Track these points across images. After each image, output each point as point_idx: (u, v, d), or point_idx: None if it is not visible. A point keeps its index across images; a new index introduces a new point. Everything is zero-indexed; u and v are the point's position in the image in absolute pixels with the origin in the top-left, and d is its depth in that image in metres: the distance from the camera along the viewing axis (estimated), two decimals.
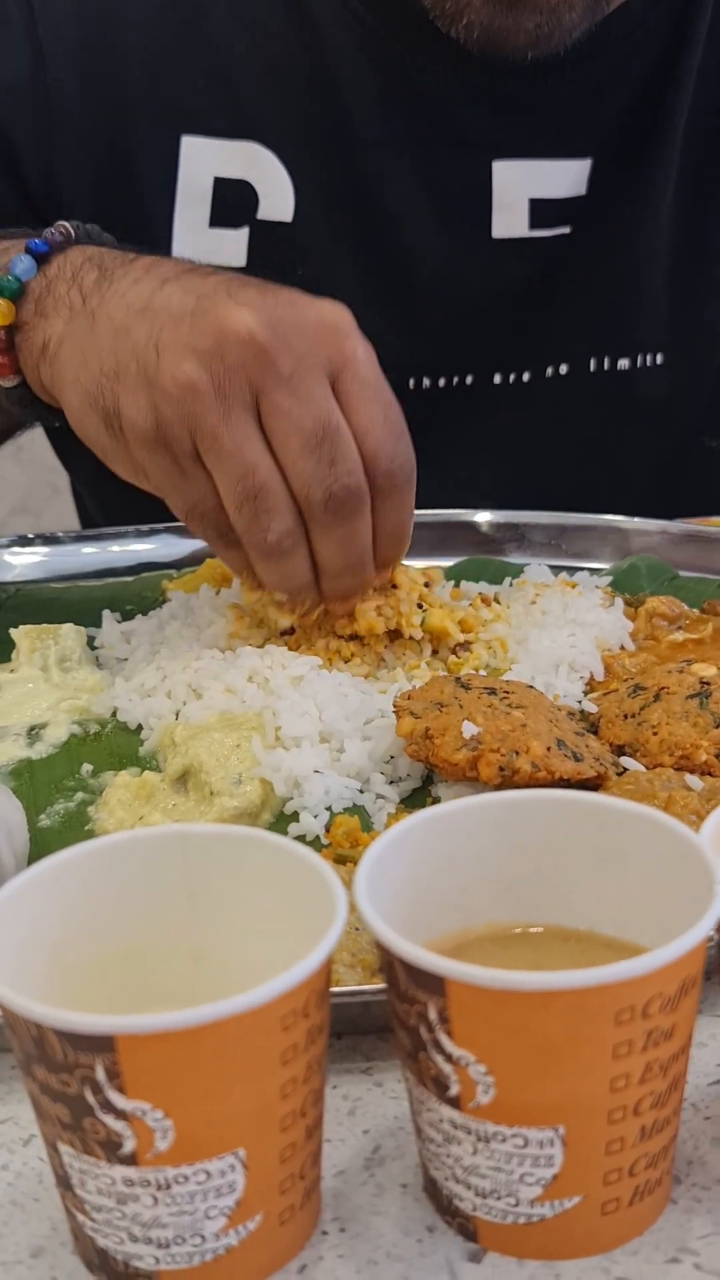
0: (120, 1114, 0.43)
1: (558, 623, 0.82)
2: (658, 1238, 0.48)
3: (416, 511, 0.79)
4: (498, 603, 0.87)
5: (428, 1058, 0.46)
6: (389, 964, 0.46)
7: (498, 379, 1.07)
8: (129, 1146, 0.44)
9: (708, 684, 0.73)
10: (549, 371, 1.08)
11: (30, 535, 1.02)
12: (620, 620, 0.83)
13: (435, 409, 1.06)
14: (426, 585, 0.82)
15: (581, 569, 0.93)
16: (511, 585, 0.89)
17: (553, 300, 1.06)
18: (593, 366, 1.07)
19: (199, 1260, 0.46)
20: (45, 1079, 0.45)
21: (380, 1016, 0.56)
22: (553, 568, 0.92)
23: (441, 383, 1.06)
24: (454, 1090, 0.45)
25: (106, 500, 1.16)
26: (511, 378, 1.07)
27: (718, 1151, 0.52)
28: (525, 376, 1.08)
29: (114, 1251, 0.46)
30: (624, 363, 1.08)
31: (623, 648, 0.82)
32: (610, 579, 0.91)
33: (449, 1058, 0.45)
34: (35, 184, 1.00)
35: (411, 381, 1.05)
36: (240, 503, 0.74)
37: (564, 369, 1.07)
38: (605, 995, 0.43)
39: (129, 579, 0.96)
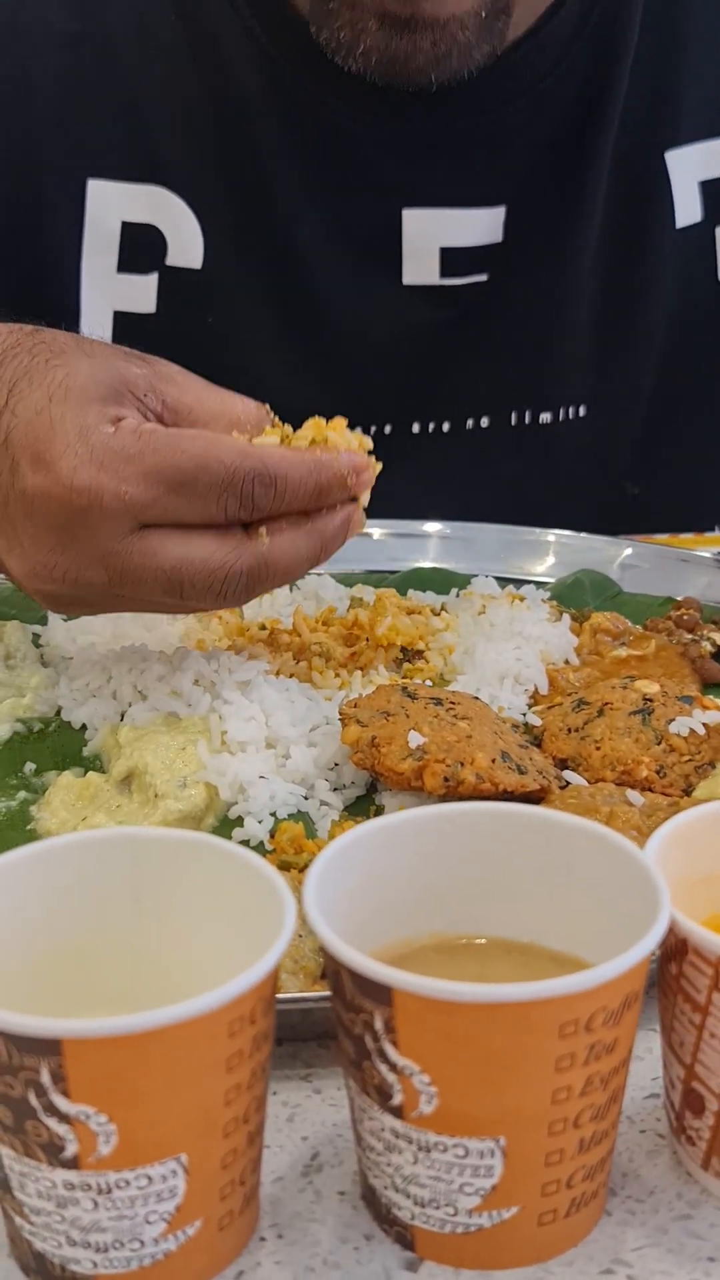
0: (64, 1117, 0.43)
1: (504, 635, 0.83)
2: (592, 1249, 0.49)
3: (371, 521, 0.78)
4: (446, 612, 0.87)
5: (372, 1066, 0.46)
6: (335, 973, 0.47)
7: (416, 428, 1.06)
8: (71, 1150, 0.44)
9: (650, 701, 0.74)
10: (469, 423, 1.07)
11: None
12: (566, 635, 0.84)
13: None
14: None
15: (527, 581, 0.94)
16: (459, 596, 0.90)
17: (470, 349, 1.05)
18: (514, 420, 1.07)
19: (137, 1265, 0.46)
20: None
21: (321, 1023, 0.56)
22: (499, 579, 0.93)
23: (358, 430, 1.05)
24: (397, 1099, 0.46)
25: None
26: (430, 427, 1.07)
27: (652, 1164, 0.52)
28: (445, 427, 1.07)
29: (51, 1255, 0.46)
30: (546, 416, 1.07)
31: (567, 662, 0.83)
32: (553, 592, 0.92)
33: (393, 1067, 0.45)
34: None
35: None
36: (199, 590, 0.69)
37: (485, 421, 1.06)
38: (550, 1008, 0.43)
39: None
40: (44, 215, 0.97)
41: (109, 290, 1.00)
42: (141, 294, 1.00)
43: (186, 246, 1.00)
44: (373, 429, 1.04)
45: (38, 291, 0.99)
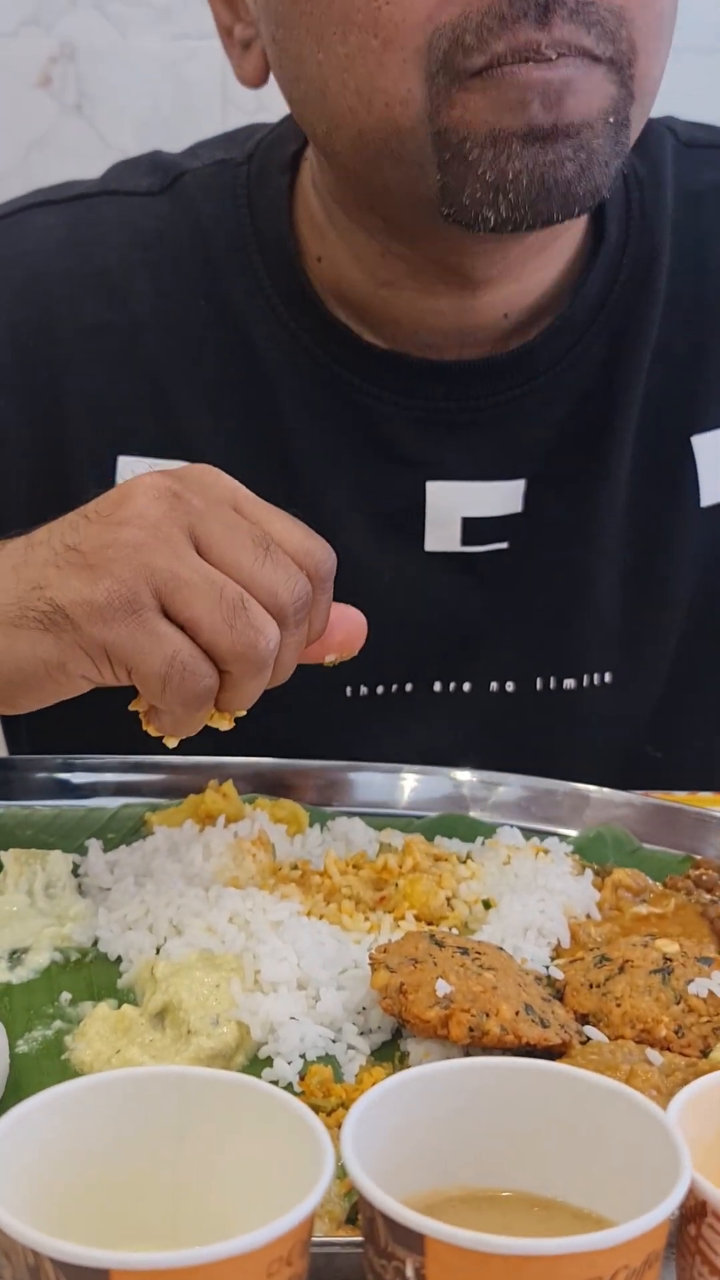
0: None
1: (528, 888, 0.86)
2: None
3: (400, 767, 0.81)
4: (472, 860, 0.91)
5: None
6: (370, 1219, 0.49)
7: (437, 687, 1.09)
8: None
9: (670, 960, 0.78)
10: (492, 685, 1.09)
11: (15, 759, 1.05)
12: (588, 890, 0.87)
13: (374, 715, 1.07)
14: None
15: (551, 834, 0.97)
16: (484, 844, 0.94)
17: (491, 615, 1.08)
18: (538, 685, 1.09)
19: None
20: None
21: (344, 1269, 0.58)
22: (524, 830, 0.97)
23: (380, 690, 1.07)
24: None
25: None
26: (452, 686, 1.09)
27: None
28: (466, 687, 1.09)
29: None
30: (570, 682, 1.09)
31: (589, 916, 0.86)
32: (576, 846, 0.95)
33: None
34: None
35: (349, 689, 1.06)
36: (230, 620, 0.74)
37: (509, 686, 1.09)
38: (577, 1263, 0.46)
39: (113, 808, 0.99)
40: (73, 490, 0.96)
41: None
42: None
43: None
44: (394, 687, 1.08)
45: None
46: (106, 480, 1.02)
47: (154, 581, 0.74)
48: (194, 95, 1.98)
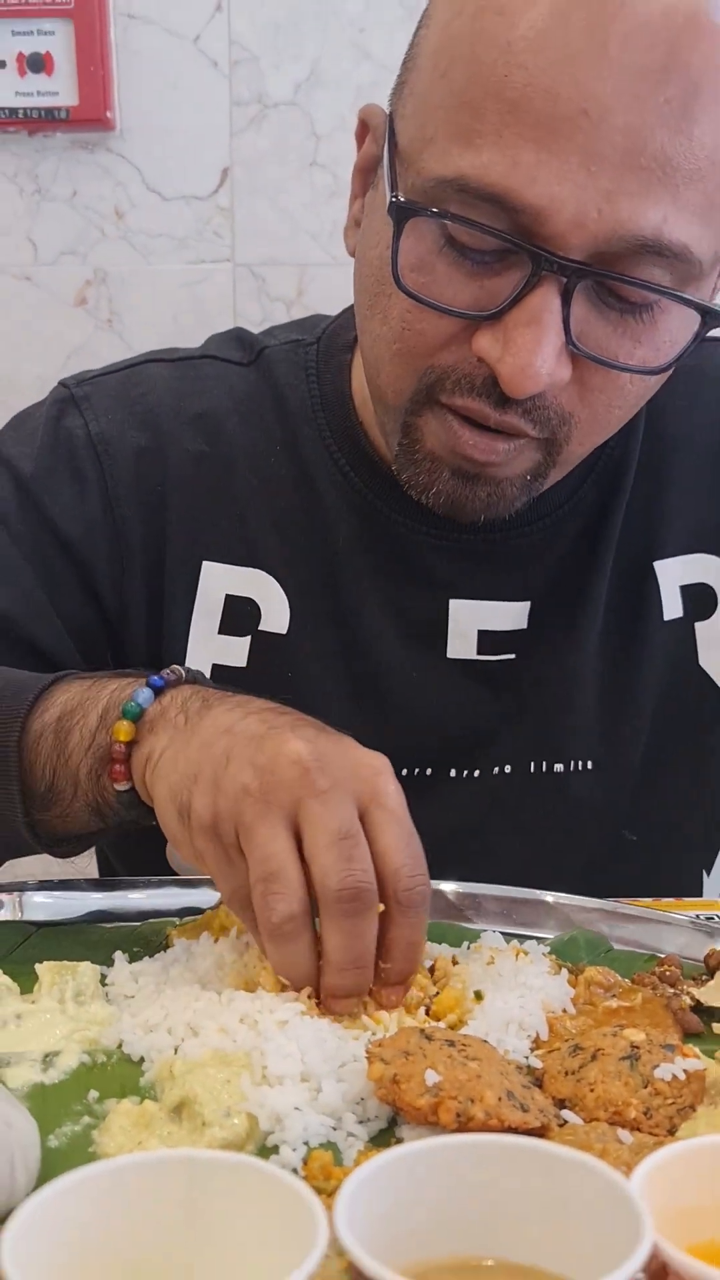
0: None
1: (510, 985, 0.84)
2: None
3: None
4: (456, 964, 0.89)
5: None
6: None
7: (453, 773, 1.13)
8: None
9: (637, 1048, 0.76)
10: (496, 770, 1.13)
11: (54, 880, 1.05)
12: (564, 986, 0.86)
13: None
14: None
15: (530, 937, 0.96)
16: (469, 949, 0.92)
17: (500, 712, 1.12)
18: (533, 769, 1.13)
19: None
20: None
21: None
22: (505, 934, 0.95)
23: (404, 772, 1.11)
24: None
25: (125, 854, 1.22)
26: (465, 773, 1.13)
27: None
28: (476, 773, 1.13)
29: None
30: (559, 766, 1.13)
31: (565, 1010, 0.84)
32: (552, 947, 0.94)
33: None
34: (109, 602, 1.10)
35: None
36: (256, 883, 0.79)
37: (509, 769, 1.13)
38: None
39: (138, 924, 0.99)
40: (166, 589, 1.10)
41: (209, 647, 1.10)
42: (236, 652, 1.10)
43: (276, 616, 1.10)
44: (416, 770, 1.12)
45: (157, 648, 1.11)
46: (192, 582, 1.10)
47: (239, 827, 0.79)
48: (208, 310, 2.04)
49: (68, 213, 2.00)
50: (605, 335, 0.91)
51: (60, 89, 1.93)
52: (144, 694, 0.89)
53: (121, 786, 0.89)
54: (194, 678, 0.92)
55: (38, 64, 1.93)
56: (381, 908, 0.79)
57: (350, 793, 0.80)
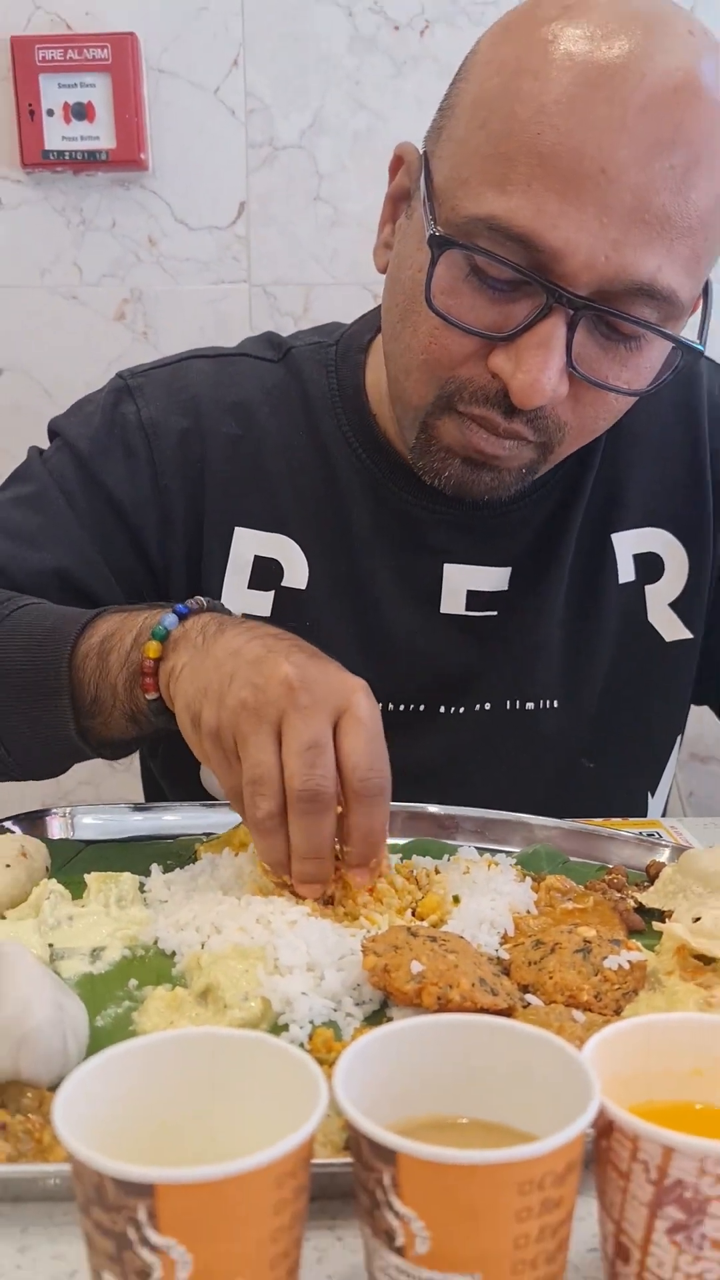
0: (154, 1248, 0.44)
1: (483, 891, 0.84)
2: None
3: (394, 804, 0.81)
4: (438, 873, 0.89)
5: (380, 1215, 0.46)
6: (355, 1140, 0.47)
7: (442, 709, 1.13)
8: (156, 1275, 0.44)
9: (589, 943, 0.76)
10: (477, 707, 1.13)
11: (100, 804, 1.05)
12: (527, 892, 0.86)
13: (396, 727, 1.09)
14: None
15: (500, 851, 0.96)
16: (449, 860, 0.92)
17: (484, 659, 1.12)
18: (508, 706, 1.13)
19: None
20: (99, 1218, 0.45)
21: (343, 1184, 0.56)
22: (479, 849, 0.95)
23: (403, 708, 1.11)
24: (400, 1241, 0.46)
25: (172, 779, 1.22)
26: (452, 709, 1.13)
27: None
28: (461, 710, 1.13)
29: None
30: (530, 705, 1.13)
31: (529, 911, 0.84)
32: (519, 860, 0.94)
33: (397, 1215, 0.46)
34: (155, 561, 1.10)
35: (381, 705, 1.10)
36: (246, 785, 0.79)
37: (488, 706, 1.13)
38: (512, 1170, 0.44)
39: (170, 840, 0.99)
40: (203, 550, 1.10)
41: (239, 600, 1.10)
42: (262, 604, 1.10)
43: (296, 575, 1.10)
44: (412, 706, 1.12)
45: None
46: (225, 544, 1.10)
47: (236, 737, 0.80)
48: (227, 324, 2.01)
49: (108, 241, 1.97)
50: (599, 360, 0.91)
51: (101, 134, 1.91)
52: (170, 619, 0.89)
53: (151, 696, 0.89)
54: (214, 607, 0.92)
55: (81, 112, 1.90)
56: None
57: (328, 709, 0.79)
